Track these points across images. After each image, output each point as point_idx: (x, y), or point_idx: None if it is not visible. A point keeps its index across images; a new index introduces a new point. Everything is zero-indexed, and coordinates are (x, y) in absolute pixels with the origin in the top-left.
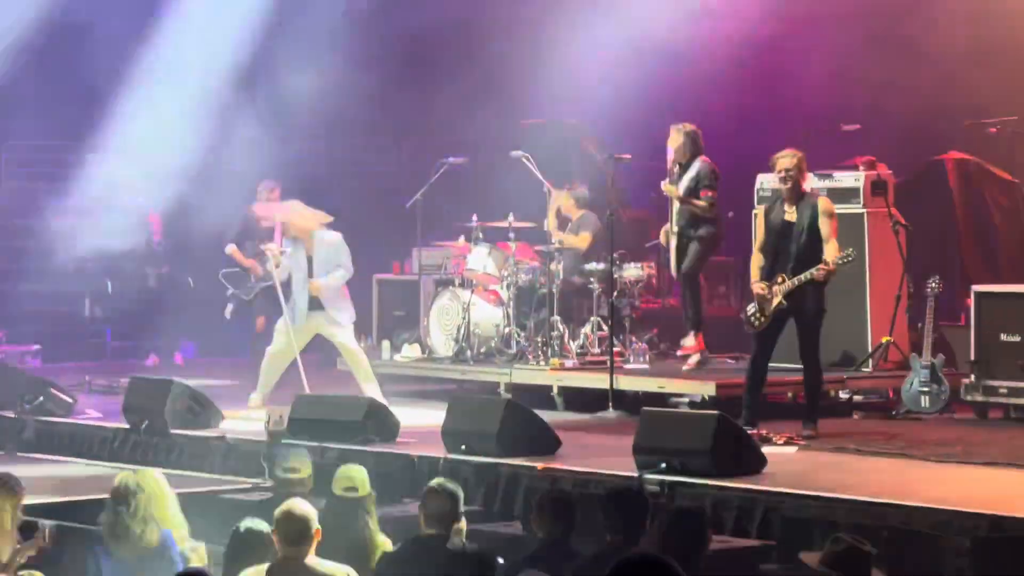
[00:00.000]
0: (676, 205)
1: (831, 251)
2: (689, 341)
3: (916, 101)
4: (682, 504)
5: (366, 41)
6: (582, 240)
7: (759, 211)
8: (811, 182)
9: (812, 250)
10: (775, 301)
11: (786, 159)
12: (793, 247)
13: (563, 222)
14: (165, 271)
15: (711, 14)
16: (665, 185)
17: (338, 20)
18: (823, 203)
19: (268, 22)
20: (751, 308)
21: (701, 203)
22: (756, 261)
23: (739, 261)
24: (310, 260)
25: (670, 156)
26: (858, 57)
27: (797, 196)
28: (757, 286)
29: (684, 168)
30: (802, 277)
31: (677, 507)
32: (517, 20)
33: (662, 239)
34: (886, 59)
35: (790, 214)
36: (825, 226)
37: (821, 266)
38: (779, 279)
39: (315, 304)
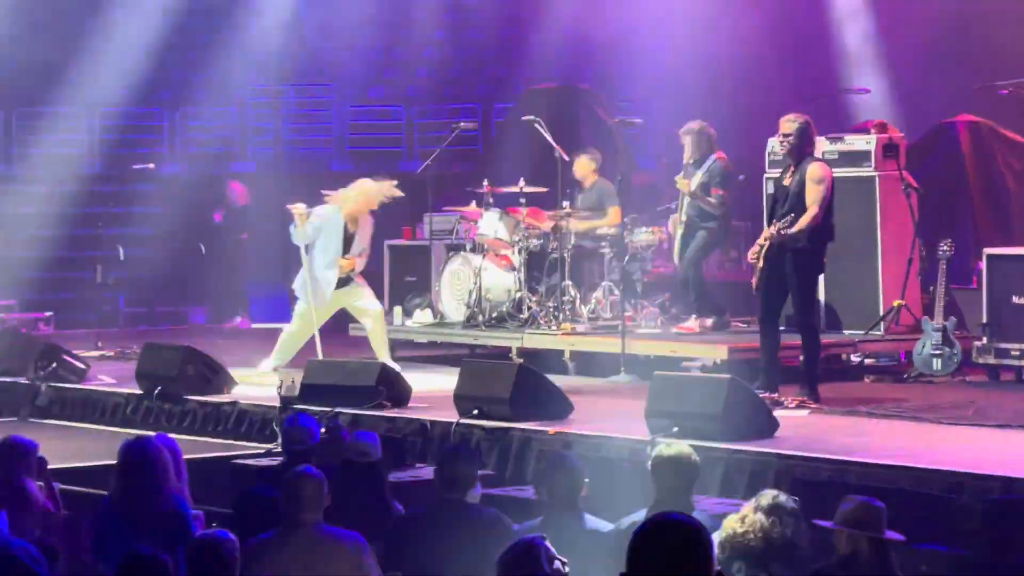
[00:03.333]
0: (687, 198)
1: (803, 218)
2: (689, 323)
3: (928, 63)
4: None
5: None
6: (614, 216)
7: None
8: (821, 146)
9: (794, 215)
10: (759, 265)
11: (787, 123)
12: (779, 210)
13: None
14: (244, 238)
15: None
16: (678, 179)
17: None
18: (812, 168)
19: None
20: (754, 277)
21: (712, 200)
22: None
23: (748, 226)
24: (349, 238)
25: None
26: (871, 19)
27: (796, 160)
28: (752, 250)
29: (698, 164)
30: (766, 237)
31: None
32: None
33: (671, 228)
34: (898, 21)
35: (788, 178)
36: (809, 192)
37: (769, 228)
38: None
39: (342, 283)
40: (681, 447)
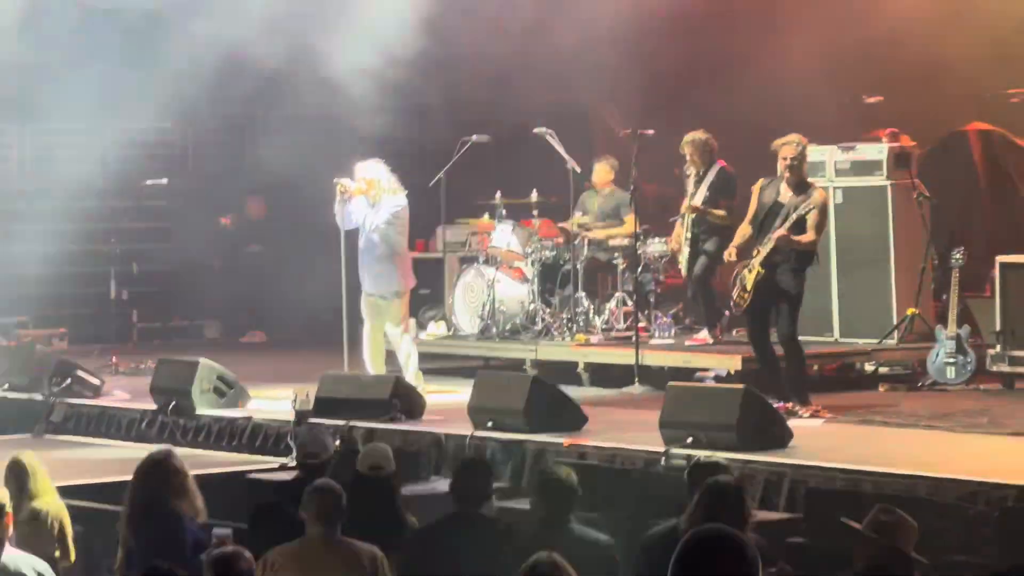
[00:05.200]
0: (690, 215)
1: (804, 236)
2: (702, 334)
3: (938, 72)
4: (720, 479)
5: None
6: (631, 224)
7: (757, 185)
8: (833, 155)
9: (794, 231)
10: (753, 273)
11: (790, 147)
12: (776, 224)
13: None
14: (255, 249)
15: None
16: (684, 206)
17: None
18: (818, 195)
19: None
20: (735, 292)
21: (720, 213)
22: (742, 230)
23: None
24: None
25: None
26: (880, 28)
27: (796, 180)
28: (733, 250)
29: (700, 177)
30: (771, 242)
31: (716, 481)
32: None
33: (672, 245)
34: (906, 29)
35: (784, 195)
36: (812, 216)
37: (776, 234)
38: (755, 252)
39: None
40: (719, 459)
